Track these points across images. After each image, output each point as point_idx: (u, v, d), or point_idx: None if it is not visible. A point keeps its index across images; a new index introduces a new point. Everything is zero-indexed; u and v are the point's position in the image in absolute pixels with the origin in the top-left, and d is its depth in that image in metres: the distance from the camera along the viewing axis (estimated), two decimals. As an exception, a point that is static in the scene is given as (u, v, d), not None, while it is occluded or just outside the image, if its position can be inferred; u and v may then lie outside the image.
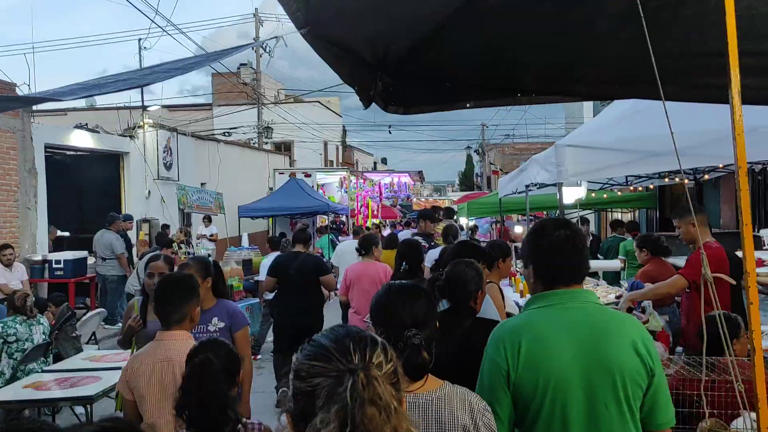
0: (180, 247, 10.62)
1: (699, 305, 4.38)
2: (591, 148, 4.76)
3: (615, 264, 6.09)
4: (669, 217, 11.33)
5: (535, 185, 6.55)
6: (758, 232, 9.03)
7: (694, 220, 4.50)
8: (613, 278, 7.94)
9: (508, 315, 3.72)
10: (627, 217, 13.76)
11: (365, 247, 6.10)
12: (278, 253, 8.04)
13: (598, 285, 6.25)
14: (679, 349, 4.30)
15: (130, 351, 3.88)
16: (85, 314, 8.01)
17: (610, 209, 13.96)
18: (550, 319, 2.01)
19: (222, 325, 3.61)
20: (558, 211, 5.49)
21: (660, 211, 12.16)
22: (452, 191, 56.41)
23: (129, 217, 11.55)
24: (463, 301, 2.83)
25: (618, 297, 5.25)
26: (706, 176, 6.91)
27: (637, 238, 5.37)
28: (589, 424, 1.93)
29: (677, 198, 11.90)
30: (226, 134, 22.99)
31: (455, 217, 16.56)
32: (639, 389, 1.95)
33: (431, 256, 5.73)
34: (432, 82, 3.30)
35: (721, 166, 5.66)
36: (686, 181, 7.26)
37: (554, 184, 5.52)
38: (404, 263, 4.89)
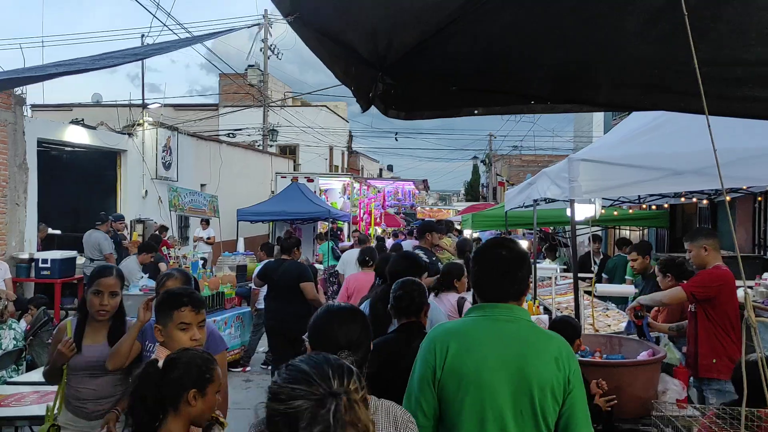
0: (168, 253, 10.27)
1: (704, 326, 4.16)
2: (607, 164, 4.40)
3: (626, 290, 5.69)
4: (680, 237, 10.95)
5: (544, 200, 6.20)
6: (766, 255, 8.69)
7: (705, 244, 4.28)
8: (619, 301, 7.57)
9: None
10: (634, 235, 13.36)
11: (372, 258, 6.26)
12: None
13: (608, 309, 5.87)
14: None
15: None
16: (66, 316, 7.66)
17: (618, 227, 13.56)
18: (480, 327, 2.17)
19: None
20: (569, 228, 5.13)
21: (670, 230, 11.75)
22: (457, 201, 56.20)
23: (120, 218, 11.23)
24: (416, 315, 3.09)
25: (630, 325, 4.89)
26: (728, 197, 6.56)
27: (659, 262, 5.03)
28: (505, 425, 2.05)
29: (689, 217, 11.51)
30: (231, 135, 22.74)
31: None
32: (555, 402, 2.06)
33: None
34: (437, 85, 2.96)
35: (744, 187, 5.30)
36: (705, 201, 6.90)
37: (564, 200, 5.17)
38: (378, 279, 4.65)
